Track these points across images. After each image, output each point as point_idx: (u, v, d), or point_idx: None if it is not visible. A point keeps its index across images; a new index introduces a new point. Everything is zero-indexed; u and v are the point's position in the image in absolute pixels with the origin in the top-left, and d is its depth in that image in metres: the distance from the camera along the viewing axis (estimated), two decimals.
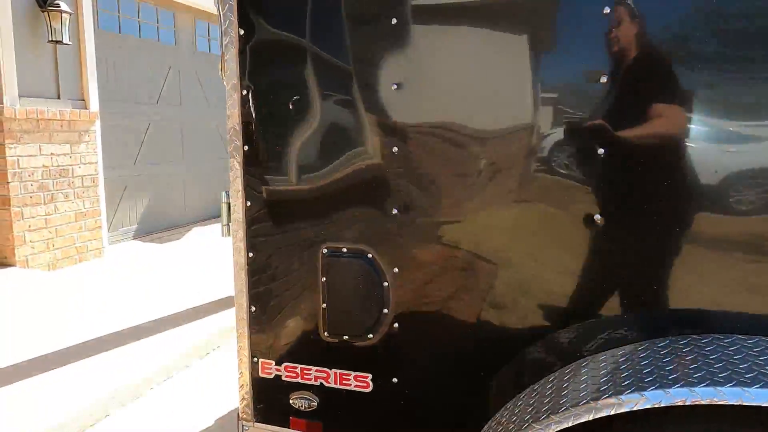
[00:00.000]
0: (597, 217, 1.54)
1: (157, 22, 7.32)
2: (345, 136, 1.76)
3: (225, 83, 1.88)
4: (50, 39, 5.36)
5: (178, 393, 3.25)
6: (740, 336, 1.46)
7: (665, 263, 1.52)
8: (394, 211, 1.73)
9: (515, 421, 1.48)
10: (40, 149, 5.37)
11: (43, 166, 5.42)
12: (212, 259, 6.21)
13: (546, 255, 1.62)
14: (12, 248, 5.19)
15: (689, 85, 1.44)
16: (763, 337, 1.44)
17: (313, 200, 1.82)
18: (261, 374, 1.98)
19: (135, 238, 7.06)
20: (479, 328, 1.72)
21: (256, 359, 1.98)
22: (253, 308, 1.96)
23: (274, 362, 1.96)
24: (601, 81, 1.49)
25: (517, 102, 1.59)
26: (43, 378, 3.10)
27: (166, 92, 7.45)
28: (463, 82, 1.63)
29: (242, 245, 1.93)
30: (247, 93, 1.85)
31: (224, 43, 1.85)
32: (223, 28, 1.85)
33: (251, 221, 1.91)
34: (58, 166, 5.56)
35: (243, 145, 1.88)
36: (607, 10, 1.47)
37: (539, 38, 1.55)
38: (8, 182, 5.09)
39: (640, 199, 1.50)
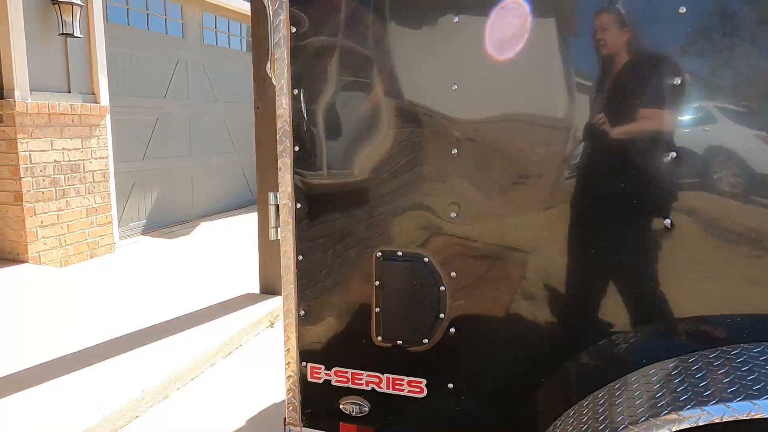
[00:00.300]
0: (667, 221, 1.51)
1: (165, 14, 7.23)
2: (402, 137, 1.72)
3: (274, 83, 1.84)
4: (61, 32, 5.28)
5: (205, 393, 3.22)
6: None
7: (733, 269, 1.49)
8: (452, 215, 1.70)
9: (595, 423, 1.46)
10: (51, 144, 5.30)
11: (55, 161, 5.36)
12: (224, 253, 6.18)
13: (607, 260, 1.59)
14: (25, 244, 5.13)
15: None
16: None
17: (367, 203, 1.79)
18: (309, 379, 1.95)
19: (144, 233, 7.01)
20: (536, 334, 1.69)
21: (304, 363, 1.95)
22: (302, 312, 1.92)
23: (323, 367, 1.93)
24: (674, 83, 1.46)
25: (582, 103, 1.56)
26: (67, 379, 3.06)
27: (174, 86, 7.38)
28: (525, 82, 1.59)
29: (291, 248, 1.90)
30: (299, 93, 1.80)
31: (274, 41, 1.80)
32: (273, 26, 1.80)
33: (301, 223, 1.87)
34: (69, 161, 5.50)
35: (293, 146, 1.84)
36: (683, 9, 1.43)
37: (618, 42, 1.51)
38: (21, 177, 5.03)
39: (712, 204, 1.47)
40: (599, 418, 1.47)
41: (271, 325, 4.24)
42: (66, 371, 3.12)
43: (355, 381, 1.90)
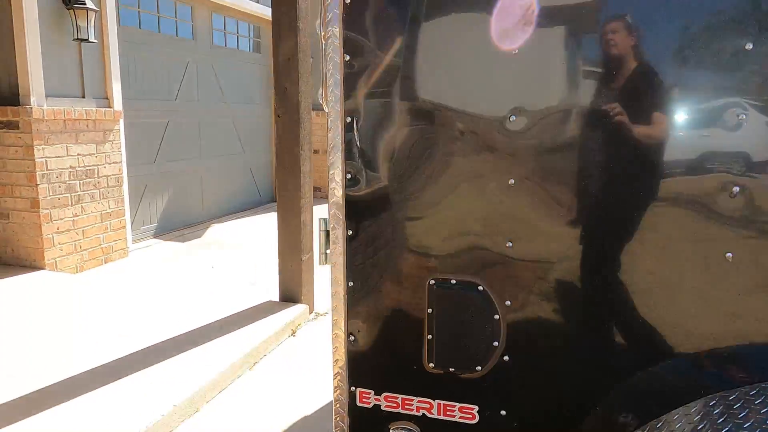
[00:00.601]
0: (729, 255, 1.52)
1: (175, 16, 7.20)
2: (456, 166, 1.73)
3: (327, 110, 1.84)
4: (76, 37, 5.26)
5: (234, 406, 3.23)
6: None
7: None
8: (508, 244, 1.71)
9: None
10: (67, 150, 5.29)
11: (70, 167, 5.35)
12: (238, 257, 6.18)
13: (660, 293, 1.60)
14: (41, 251, 5.13)
15: None
16: None
17: (420, 231, 1.79)
18: (358, 403, 1.96)
19: (156, 236, 7.00)
20: (589, 362, 1.71)
21: (353, 388, 1.96)
22: (352, 337, 1.93)
23: (373, 392, 1.94)
24: (738, 118, 1.46)
25: (634, 142, 1.57)
26: (97, 394, 3.07)
27: (184, 88, 7.36)
28: (579, 111, 1.60)
29: (341, 275, 1.90)
30: (352, 120, 1.80)
31: (328, 69, 1.80)
32: (326, 54, 1.80)
33: (352, 250, 1.87)
34: (84, 166, 5.49)
35: (345, 173, 1.84)
36: (749, 46, 1.44)
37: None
38: (37, 184, 5.02)
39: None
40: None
41: (293, 334, 4.25)
42: (95, 386, 3.12)
43: (406, 406, 1.91)
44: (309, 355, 3.93)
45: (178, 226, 7.42)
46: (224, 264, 5.96)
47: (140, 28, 6.65)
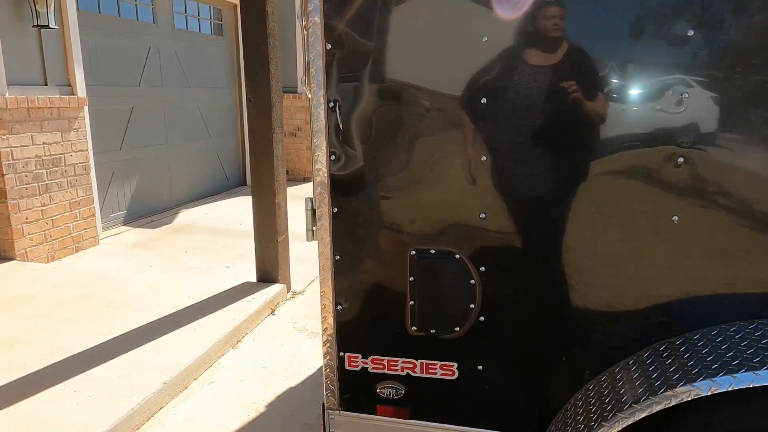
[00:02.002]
0: (675, 218, 1.73)
1: (135, 0, 7.09)
2: (433, 145, 1.88)
3: (311, 96, 1.96)
4: (35, 23, 5.17)
5: (222, 383, 3.36)
6: None
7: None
8: (482, 215, 1.88)
9: (593, 410, 1.68)
10: (32, 139, 5.23)
11: (36, 156, 5.29)
12: (210, 241, 6.23)
13: (619, 254, 1.80)
14: (11, 242, 5.09)
15: None
16: None
17: (400, 206, 1.95)
18: (347, 367, 2.12)
19: (126, 223, 6.98)
20: (555, 319, 1.90)
21: (342, 353, 2.11)
22: (339, 306, 2.08)
23: (360, 356, 2.10)
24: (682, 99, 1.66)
25: (592, 119, 1.75)
26: (89, 375, 3.15)
27: (147, 73, 7.28)
28: (547, 93, 1.77)
29: (328, 249, 2.04)
30: (334, 105, 1.93)
31: (310, 58, 1.92)
32: (308, 43, 1.91)
33: (338, 225, 2.02)
34: (50, 155, 5.44)
35: (329, 155, 1.97)
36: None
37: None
38: (3, 174, 4.96)
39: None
40: (620, 390, 1.70)
41: (272, 312, 4.38)
42: (84, 368, 3.20)
43: (391, 367, 2.08)
44: (289, 332, 4.07)
45: (147, 212, 7.40)
46: (197, 248, 6.01)
47: (100, 12, 6.54)
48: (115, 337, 3.62)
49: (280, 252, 4.64)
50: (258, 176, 4.48)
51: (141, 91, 7.19)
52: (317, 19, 1.88)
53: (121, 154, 6.89)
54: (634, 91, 1.71)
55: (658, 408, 1.55)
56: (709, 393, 1.50)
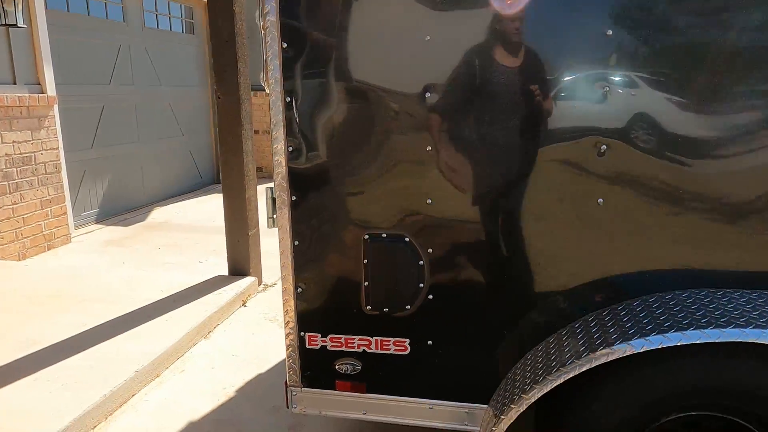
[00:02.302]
0: (600, 200, 1.90)
1: None
2: (384, 137, 2.03)
3: (269, 92, 2.09)
4: (3, 22, 5.18)
5: (193, 372, 3.47)
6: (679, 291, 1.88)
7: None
8: (428, 201, 2.04)
9: (529, 375, 1.86)
10: (1, 137, 5.25)
11: (6, 154, 5.31)
12: (183, 237, 6.30)
13: (552, 234, 1.98)
14: None
15: None
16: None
17: (354, 194, 2.09)
18: (308, 346, 2.26)
19: (98, 222, 7.00)
20: (499, 296, 2.07)
21: (302, 333, 2.26)
22: (299, 289, 2.22)
23: (320, 335, 2.25)
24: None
25: (525, 112, 1.91)
26: (63, 365, 3.23)
27: (118, 72, 7.30)
28: (485, 89, 1.93)
29: (287, 235, 2.18)
30: (291, 100, 2.07)
31: (268, 56, 2.05)
32: (266, 42, 2.05)
33: (296, 213, 2.16)
34: (21, 154, 5.45)
35: (287, 147, 2.11)
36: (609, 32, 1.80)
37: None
38: None
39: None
40: (551, 356, 1.87)
41: (244, 304, 4.50)
42: (58, 359, 3.29)
43: (348, 345, 2.23)
44: (260, 322, 4.19)
45: (120, 210, 7.43)
46: (171, 245, 6.08)
47: (69, 11, 6.55)
48: (88, 330, 3.70)
49: (251, 246, 4.75)
50: (228, 172, 4.58)
51: (112, 89, 7.21)
52: (273, 19, 2.02)
53: (92, 153, 6.91)
54: (563, 87, 1.88)
55: (583, 369, 1.72)
56: (624, 354, 1.68)
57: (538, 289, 2.04)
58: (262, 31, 2.05)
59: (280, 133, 2.11)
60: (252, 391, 3.23)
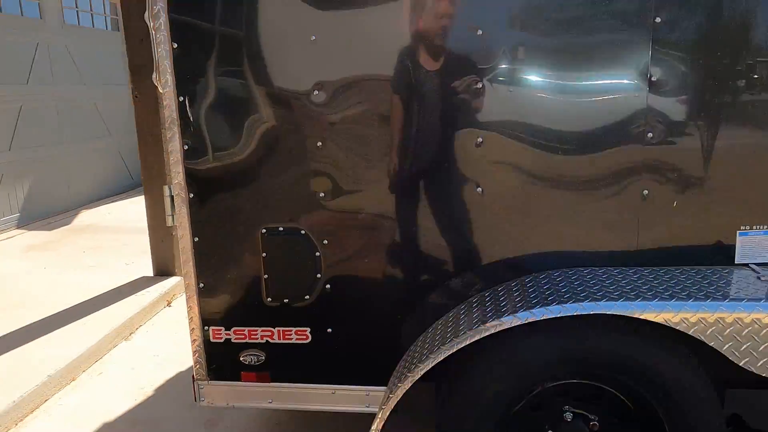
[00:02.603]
0: (479, 189, 2.04)
1: None
2: (276, 133, 2.10)
3: (161, 90, 2.13)
4: None
5: (111, 373, 3.44)
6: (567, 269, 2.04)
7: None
8: (321, 194, 2.12)
9: (428, 346, 1.98)
10: None
11: None
12: (114, 241, 6.17)
13: (438, 222, 2.10)
14: None
15: None
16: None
17: (249, 189, 2.16)
18: (212, 339, 2.31)
19: (20, 227, 6.75)
20: (393, 282, 2.18)
21: (206, 328, 2.30)
22: (201, 284, 2.27)
23: (223, 328, 2.30)
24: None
25: (408, 109, 2.03)
26: None
27: (36, 70, 7.04)
28: (365, 85, 2.03)
29: (187, 232, 2.22)
30: (184, 99, 2.11)
31: (158, 55, 2.08)
32: (156, 42, 2.08)
33: (194, 210, 2.20)
34: None
35: (183, 145, 2.15)
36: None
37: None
38: None
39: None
40: (449, 328, 1.98)
41: (169, 304, 4.47)
42: None
43: (252, 336, 2.29)
44: (183, 322, 4.17)
45: (44, 214, 7.18)
46: (97, 247, 5.94)
47: None
48: (2, 336, 3.61)
49: (176, 245, 4.71)
50: (149, 170, 4.54)
51: (30, 89, 6.95)
52: (163, 21, 2.05)
53: (10, 155, 6.65)
54: (439, 83, 2.00)
55: (465, 343, 1.84)
56: (512, 325, 1.80)
57: (428, 275, 2.16)
58: (152, 32, 2.08)
59: (174, 132, 2.14)
60: (171, 389, 3.25)
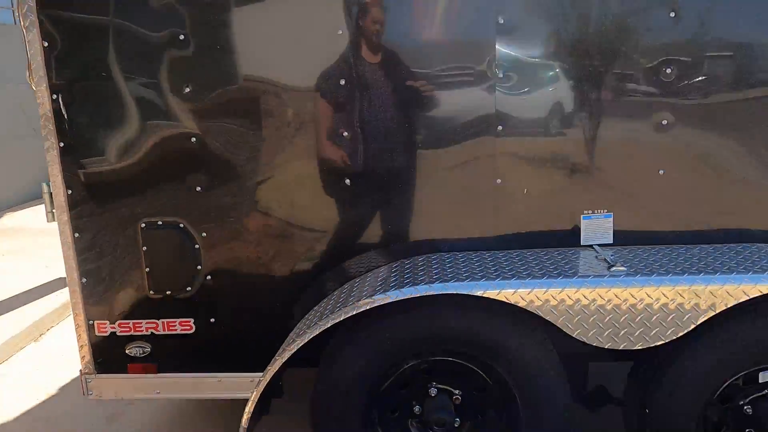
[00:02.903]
0: (347, 181, 2.15)
1: None
2: (150, 129, 2.16)
3: (34, 88, 2.15)
4: None
5: (16, 375, 3.41)
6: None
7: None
8: (198, 188, 2.19)
9: (298, 331, 2.08)
10: None
11: None
12: (37, 244, 6.02)
13: (311, 213, 2.21)
14: None
15: None
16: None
17: (127, 184, 2.20)
18: (97, 333, 2.35)
19: None
20: (272, 271, 2.27)
21: (91, 322, 2.34)
22: (84, 279, 2.30)
23: (108, 322, 2.34)
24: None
25: (281, 99, 2.12)
26: None
27: None
28: (241, 80, 2.12)
29: (67, 228, 2.25)
30: (57, 96, 2.14)
31: (30, 53, 2.11)
32: (27, 40, 2.10)
33: (73, 206, 2.23)
34: None
35: (59, 142, 2.18)
36: None
37: None
38: None
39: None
40: (317, 314, 2.08)
41: None
42: None
43: (137, 329, 2.34)
44: None
45: None
46: (17, 250, 5.80)
47: None
48: None
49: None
50: None
51: None
52: (33, 18, 2.08)
53: None
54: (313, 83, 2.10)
55: (327, 326, 1.94)
56: (369, 307, 1.91)
57: (304, 264, 2.26)
58: (23, 30, 2.10)
59: (49, 129, 2.18)
60: (76, 387, 3.24)
